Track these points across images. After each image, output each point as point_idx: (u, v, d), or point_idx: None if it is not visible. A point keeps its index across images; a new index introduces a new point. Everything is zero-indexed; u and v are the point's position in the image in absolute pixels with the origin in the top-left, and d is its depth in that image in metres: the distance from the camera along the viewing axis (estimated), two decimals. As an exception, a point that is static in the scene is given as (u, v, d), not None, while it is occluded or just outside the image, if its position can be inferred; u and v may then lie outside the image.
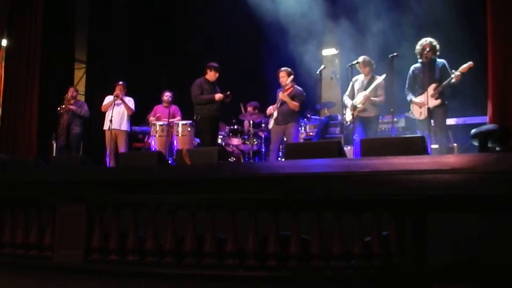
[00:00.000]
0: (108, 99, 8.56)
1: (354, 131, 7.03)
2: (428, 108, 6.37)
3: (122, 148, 8.33)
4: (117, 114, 8.32)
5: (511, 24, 6.63)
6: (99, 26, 10.97)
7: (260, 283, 3.03)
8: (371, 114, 6.96)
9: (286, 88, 7.39)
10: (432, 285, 2.72)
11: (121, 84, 8.53)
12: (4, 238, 3.71)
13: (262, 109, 8.33)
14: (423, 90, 6.51)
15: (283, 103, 7.42)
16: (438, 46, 6.57)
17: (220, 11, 9.57)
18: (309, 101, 8.64)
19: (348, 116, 7.07)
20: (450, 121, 7.40)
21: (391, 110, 6.73)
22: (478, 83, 7.16)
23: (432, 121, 6.42)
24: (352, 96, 7.12)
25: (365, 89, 6.98)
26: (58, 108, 8.59)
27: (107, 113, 8.43)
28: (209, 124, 7.65)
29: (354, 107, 6.93)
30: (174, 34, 11.02)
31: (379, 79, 6.96)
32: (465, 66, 6.35)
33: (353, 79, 7.22)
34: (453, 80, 6.33)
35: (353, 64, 7.05)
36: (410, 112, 6.76)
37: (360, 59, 7.08)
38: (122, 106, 8.43)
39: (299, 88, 7.52)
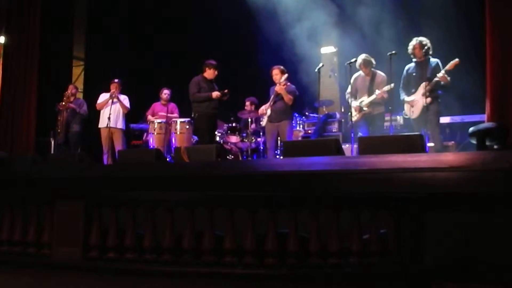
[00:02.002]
0: (103, 97, 8.54)
1: (359, 129, 7.02)
2: (423, 106, 6.41)
3: (118, 146, 8.32)
4: (113, 112, 8.32)
5: (510, 23, 6.63)
6: (97, 23, 10.96)
7: (258, 281, 3.03)
8: (376, 111, 6.97)
9: (282, 84, 7.40)
10: (430, 283, 2.72)
11: (117, 82, 8.51)
12: (2, 235, 3.70)
13: (259, 106, 8.33)
14: (416, 89, 6.60)
15: (276, 100, 7.43)
16: (429, 45, 6.61)
17: (219, 9, 9.56)
18: (307, 99, 8.65)
19: (354, 117, 7.06)
20: (446, 119, 7.42)
21: (390, 108, 6.77)
22: (477, 81, 7.16)
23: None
24: (355, 95, 7.14)
25: (368, 89, 6.99)
26: (58, 105, 8.58)
27: (103, 111, 8.42)
28: (207, 122, 7.63)
29: (360, 109, 6.95)
30: (173, 32, 10.98)
31: (382, 74, 7.01)
32: (451, 63, 6.39)
33: (353, 76, 7.21)
34: (442, 83, 6.38)
35: (351, 62, 7.05)
36: (403, 111, 6.84)
37: (360, 60, 7.06)
38: (119, 104, 8.42)
39: (292, 85, 7.56)
